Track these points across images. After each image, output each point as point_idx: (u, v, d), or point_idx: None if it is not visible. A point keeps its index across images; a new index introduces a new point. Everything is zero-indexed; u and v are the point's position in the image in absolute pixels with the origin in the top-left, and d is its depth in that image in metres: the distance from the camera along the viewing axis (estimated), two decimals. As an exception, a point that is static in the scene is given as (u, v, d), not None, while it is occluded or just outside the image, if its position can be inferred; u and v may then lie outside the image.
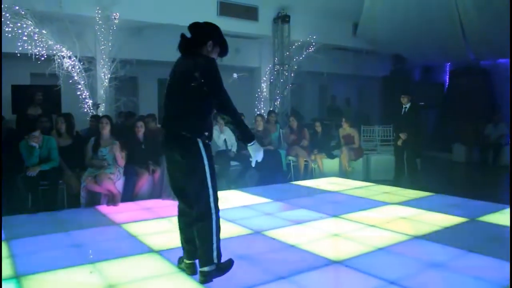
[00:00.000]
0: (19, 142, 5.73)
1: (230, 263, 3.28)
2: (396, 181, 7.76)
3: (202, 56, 3.17)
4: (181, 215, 3.36)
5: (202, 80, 3.03)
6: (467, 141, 11.37)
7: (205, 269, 3.17)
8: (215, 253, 3.16)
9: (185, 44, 3.23)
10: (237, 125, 3.16)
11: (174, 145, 3.17)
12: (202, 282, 3.19)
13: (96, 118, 7.28)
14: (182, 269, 3.44)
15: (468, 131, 11.37)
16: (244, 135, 3.20)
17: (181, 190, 3.30)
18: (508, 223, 4.89)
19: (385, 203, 6.01)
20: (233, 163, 7.71)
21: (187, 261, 3.38)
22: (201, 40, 3.21)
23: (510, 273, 3.33)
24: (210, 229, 3.14)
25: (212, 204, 3.14)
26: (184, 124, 3.12)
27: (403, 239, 4.33)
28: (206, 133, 3.15)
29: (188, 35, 3.23)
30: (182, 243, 3.39)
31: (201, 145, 3.12)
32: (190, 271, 3.36)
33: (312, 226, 4.89)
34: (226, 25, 9.93)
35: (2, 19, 7.40)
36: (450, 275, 3.43)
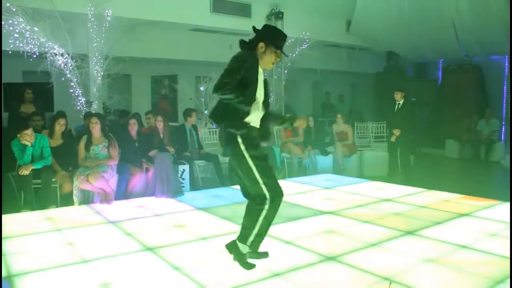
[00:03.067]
0: (11, 141, 5.68)
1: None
2: (389, 177, 7.80)
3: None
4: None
5: None
6: (459, 137, 11.42)
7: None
8: None
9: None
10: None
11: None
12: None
13: (89, 116, 7.23)
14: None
15: (461, 127, 11.42)
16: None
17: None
18: (501, 218, 4.94)
19: (378, 199, 6.04)
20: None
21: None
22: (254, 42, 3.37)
23: (510, 272, 3.36)
24: None
25: None
26: None
27: (397, 235, 4.35)
28: None
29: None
30: None
31: None
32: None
33: (306, 222, 4.90)
34: (219, 22, 9.98)
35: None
36: (443, 271, 3.45)
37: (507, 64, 12.10)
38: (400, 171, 7.82)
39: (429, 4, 10.97)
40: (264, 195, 3.23)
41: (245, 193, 3.43)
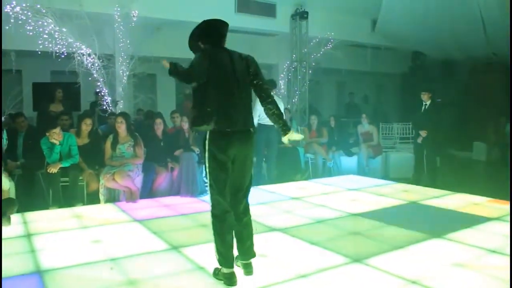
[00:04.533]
0: (40, 139, 5.80)
1: None
2: (415, 179, 7.67)
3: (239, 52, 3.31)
4: (230, 213, 3.19)
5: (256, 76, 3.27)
6: (487, 140, 11.16)
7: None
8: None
9: (225, 38, 3.33)
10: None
11: (247, 142, 3.20)
12: (250, 273, 3.27)
13: (114, 115, 7.33)
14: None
15: (489, 129, 11.15)
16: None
17: (239, 187, 3.25)
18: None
19: (404, 201, 5.95)
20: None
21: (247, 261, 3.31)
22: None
23: (510, 272, 3.30)
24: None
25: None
26: (251, 120, 3.28)
27: (424, 238, 4.27)
28: None
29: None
30: (232, 242, 3.24)
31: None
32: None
33: (332, 224, 4.86)
34: (244, 22, 9.98)
35: (24, 18, 7.49)
36: (471, 276, 3.38)
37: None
38: (426, 173, 7.70)
39: (457, 2, 10.74)
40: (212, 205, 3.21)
41: (238, 188, 3.30)
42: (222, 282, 3.18)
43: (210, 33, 3.31)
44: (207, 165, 3.16)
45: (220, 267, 3.20)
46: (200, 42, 3.31)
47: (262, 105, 3.33)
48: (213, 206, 3.19)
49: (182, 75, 3.05)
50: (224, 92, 3.13)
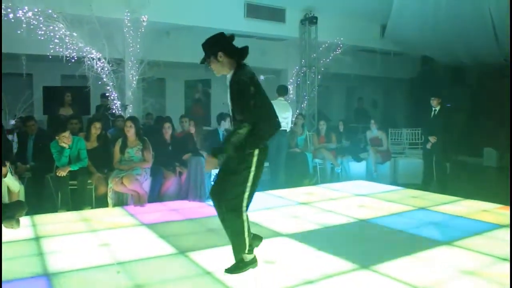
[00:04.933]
0: (50, 143, 5.84)
1: None
2: (424, 186, 7.61)
3: None
4: None
5: None
6: (498, 145, 11.07)
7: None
8: None
9: None
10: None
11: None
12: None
13: (123, 119, 7.36)
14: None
15: (500, 135, 11.05)
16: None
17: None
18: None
19: (413, 207, 5.90)
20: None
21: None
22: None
23: (510, 274, 3.25)
24: None
25: None
26: None
27: (433, 245, 4.24)
28: None
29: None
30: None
31: None
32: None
33: (339, 229, 4.83)
34: (253, 27, 10.00)
35: (36, 23, 7.56)
36: (481, 284, 3.34)
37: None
38: (435, 179, 7.64)
39: (467, 6, 10.67)
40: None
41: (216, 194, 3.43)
42: (250, 268, 3.41)
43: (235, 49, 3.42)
44: (251, 180, 3.30)
45: (247, 259, 3.39)
46: (227, 54, 3.37)
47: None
48: (243, 207, 3.32)
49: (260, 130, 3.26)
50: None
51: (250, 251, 3.40)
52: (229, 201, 3.31)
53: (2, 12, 7.09)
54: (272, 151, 7.24)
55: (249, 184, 3.29)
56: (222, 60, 3.35)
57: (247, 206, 3.35)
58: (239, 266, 3.40)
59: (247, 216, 3.34)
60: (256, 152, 3.27)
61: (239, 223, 3.30)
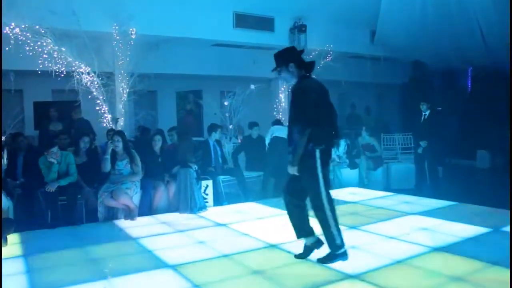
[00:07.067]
0: (39, 158, 5.81)
1: None
2: (417, 190, 7.61)
3: None
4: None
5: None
6: (491, 147, 11.09)
7: None
8: None
9: None
10: None
11: None
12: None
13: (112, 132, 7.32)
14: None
15: (492, 137, 11.09)
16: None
17: None
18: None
19: (405, 213, 5.89)
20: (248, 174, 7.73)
21: None
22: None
23: (510, 276, 3.24)
24: None
25: None
26: None
27: (424, 251, 4.22)
28: None
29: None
30: None
31: None
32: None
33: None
34: (243, 36, 10.02)
35: (24, 39, 7.56)
36: (471, 289, 3.32)
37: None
38: (428, 184, 7.64)
39: (455, 10, 10.73)
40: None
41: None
42: (340, 260, 3.77)
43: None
44: (321, 179, 3.73)
45: (338, 251, 3.77)
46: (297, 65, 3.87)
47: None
48: (325, 204, 3.74)
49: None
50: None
51: (340, 245, 3.75)
52: (312, 201, 3.80)
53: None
54: (273, 158, 7.21)
55: (321, 184, 3.71)
56: (293, 70, 3.83)
57: (330, 203, 3.75)
58: (330, 256, 3.80)
59: (331, 212, 3.73)
60: (318, 154, 3.69)
61: (324, 219, 3.72)
